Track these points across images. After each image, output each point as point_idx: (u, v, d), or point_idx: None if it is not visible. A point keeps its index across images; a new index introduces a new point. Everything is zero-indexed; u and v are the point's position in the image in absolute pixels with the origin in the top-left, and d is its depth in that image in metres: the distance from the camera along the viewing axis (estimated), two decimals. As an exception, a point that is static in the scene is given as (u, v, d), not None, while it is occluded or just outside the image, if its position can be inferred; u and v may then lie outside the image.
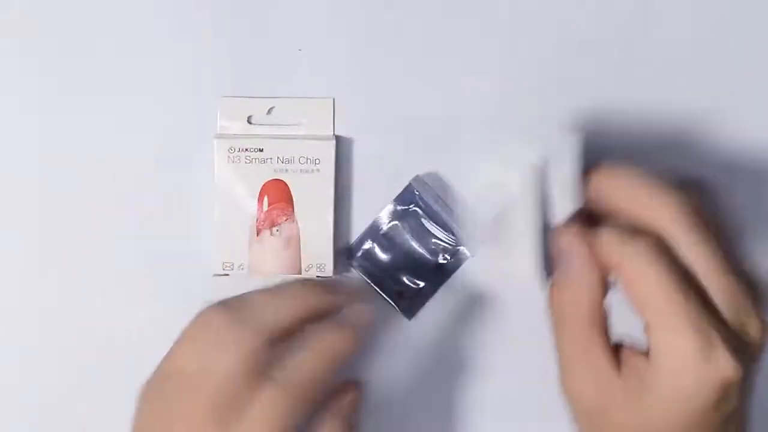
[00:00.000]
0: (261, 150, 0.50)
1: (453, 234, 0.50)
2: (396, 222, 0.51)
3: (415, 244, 0.51)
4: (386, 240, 0.51)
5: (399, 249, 0.51)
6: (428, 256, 0.51)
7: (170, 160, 0.51)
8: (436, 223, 0.50)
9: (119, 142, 0.51)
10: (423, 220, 0.50)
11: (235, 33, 0.51)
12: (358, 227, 0.51)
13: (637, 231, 0.40)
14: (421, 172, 0.51)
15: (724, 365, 0.38)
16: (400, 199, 0.50)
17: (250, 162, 0.50)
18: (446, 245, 0.50)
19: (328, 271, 0.50)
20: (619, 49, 0.51)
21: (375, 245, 0.51)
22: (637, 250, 0.40)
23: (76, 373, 0.48)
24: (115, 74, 0.51)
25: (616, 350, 0.41)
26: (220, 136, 0.50)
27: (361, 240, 0.51)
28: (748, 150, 0.51)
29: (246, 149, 0.50)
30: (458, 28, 0.51)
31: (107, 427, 0.50)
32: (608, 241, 0.41)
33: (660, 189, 0.41)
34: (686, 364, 0.38)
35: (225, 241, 0.50)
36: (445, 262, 0.50)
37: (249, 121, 0.51)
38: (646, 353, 0.40)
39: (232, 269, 0.50)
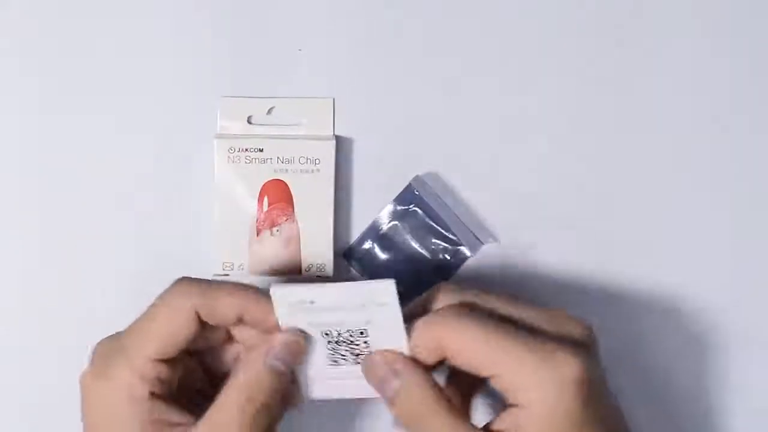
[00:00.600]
0: (261, 150, 0.50)
1: (453, 234, 0.50)
2: (396, 222, 0.51)
3: (415, 244, 0.51)
4: (386, 240, 0.51)
5: (399, 249, 0.51)
6: (428, 256, 0.51)
7: (170, 160, 0.51)
8: (436, 223, 0.50)
9: (119, 142, 0.51)
10: (423, 220, 0.50)
11: (235, 33, 0.51)
12: (358, 227, 0.51)
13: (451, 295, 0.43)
14: (421, 172, 0.51)
15: (568, 363, 0.40)
16: (400, 199, 0.50)
17: (250, 162, 0.50)
18: (446, 245, 0.50)
19: (328, 271, 0.50)
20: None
21: (375, 245, 0.51)
22: (451, 318, 0.42)
23: (76, 373, 0.47)
24: (115, 74, 0.51)
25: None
26: (220, 136, 0.50)
27: (361, 240, 0.51)
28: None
29: (246, 149, 0.50)
30: (458, 28, 0.51)
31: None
32: (422, 329, 0.42)
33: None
34: (542, 384, 0.40)
35: (225, 241, 0.50)
36: (445, 262, 0.50)
37: (249, 121, 0.51)
38: (506, 409, 0.41)
39: (232, 269, 0.50)
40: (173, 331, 0.43)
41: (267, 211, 0.50)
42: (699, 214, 0.51)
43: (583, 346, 0.41)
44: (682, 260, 0.51)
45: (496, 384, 0.41)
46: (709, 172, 0.51)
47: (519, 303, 0.43)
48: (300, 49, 0.51)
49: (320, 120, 0.51)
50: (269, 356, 0.43)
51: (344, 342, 0.43)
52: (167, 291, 0.44)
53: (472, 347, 0.41)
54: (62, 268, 0.51)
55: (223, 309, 0.43)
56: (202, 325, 0.44)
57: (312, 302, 0.42)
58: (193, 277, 0.44)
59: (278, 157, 0.50)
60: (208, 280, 0.44)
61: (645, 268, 0.51)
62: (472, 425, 0.42)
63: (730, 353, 0.51)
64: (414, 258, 0.51)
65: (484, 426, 0.42)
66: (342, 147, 0.51)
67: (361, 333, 0.43)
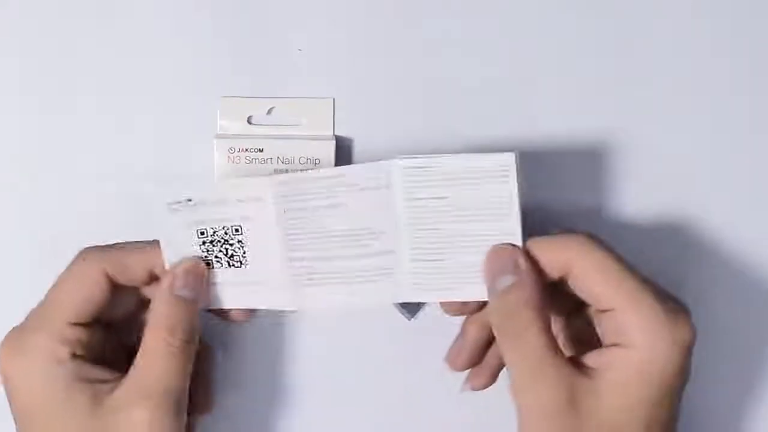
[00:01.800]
0: (261, 150, 0.50)
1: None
2: (396, 222, 0.50)
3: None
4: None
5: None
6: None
7: (170, 160, 0.51)
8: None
9: (119, 141, 0.51)
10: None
11: (235, 33, 0.51)
12: (358, 227, 0.51)
13: (573, 232, 0.44)
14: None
15: (687, 329, 0.41)
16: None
17: (250, 162, 0.50)
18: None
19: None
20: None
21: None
22: (584, 244, 0.42)
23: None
24: (115, 74, 0.51)
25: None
26: (220, 136, 0.50)
27: (361, 240, 0.51)
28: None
29: (246, 149, 0.50)
30: (458, 28, 0.51)
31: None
32: (553, 242, 0.43)
33: (563, 239, 0.43)
34: (659, 333, 0.40)
35: (225, 241, 0.50)
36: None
37: (249, 121, 0.51)
38: (603, 347, 0.42)
39: (232, 269, 0.50)
40: (86, 294, 0.44)
41: (267, 211, 0.50)
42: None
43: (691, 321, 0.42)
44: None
45: (607, 319, 0.42)
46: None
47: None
48: (300, 49, 0.51)
49: (320, 120, 0.51)
50: (175, 287, 0.44)
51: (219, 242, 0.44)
52: (72, 261, 0.45)
53: (602, 275, 0.42)
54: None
55: (132, 266, 0.44)
56: (115, 287, 0.44)
57: (189, 200, 0.43)
58: (96, 245, 0.45)
59: (278, 157, 0.50)
60: (114, 244, 0.45)
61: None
62: (560, 350, 0.42)
63: None
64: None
65: (571, 357, 0.42)
66: (342, 147, 0.51)
67: (236, 230, 0.43)
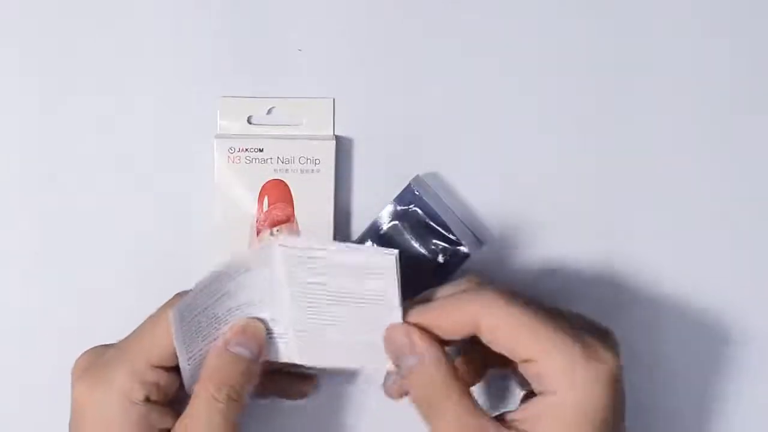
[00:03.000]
0: (261, 150, 0.50)
1: (453, 234, 0.50)
2: (396, 222, 0.51)
3: (415, 244, 0.51)
4: (386, 240, 0.51)
5: (399, 249, 0.50)
6: (428, 255, 0.51)
7: (170, 160, 0.51)
8: (436, 223, 0.50)
9: (119, 141, 0.51)
10: (423, 220, 0.50)
11: (235, 33, 0.51)
12: (358, 227, 0.51)
13: (476, 285, 0.43)
14: (421, 172, 0.51)
15: (608, 360, 0.40)
16: (400, 199, 0.50)
17: (250, 162, 0.50)
18: (446, 245, 0.50)
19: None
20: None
21: (375, 245, 0.51)
22: (489, 299, 0.42)
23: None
24: (115, 74, 0.51)
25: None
26: (220, 136, 0.50)
27: (361, 240, 0.51)
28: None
29: (246, 149, 0.50)
30: (458, 28, 0.51)
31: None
32: (455, 303, 0.42)
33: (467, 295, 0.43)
34: (578, 373, 0.40)
35: (225, 241, 0.50)
36: (443, 261, 0.50)
37: (249, 121, 0.51)
38: (528, 399, 0.42)
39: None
40: (167, 335, 0.43)
41: (267, 211, 0.50)
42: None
43: (616, 347, 0.42)
44: (686, 260, 0.51)
45: (526, 369, 0.41)
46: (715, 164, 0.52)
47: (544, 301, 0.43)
48: (300, 49, 0.51)
49: (320, 120, 0.51)
50: (229, 344, 0.44)
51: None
52: (166, 303, 0.45)
53: (512, 328, 0.41)
54: (62, 269, 0.51)
55: None
56: None
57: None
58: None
59: (278, 157, 0.50)
60: None
61: (651, 266, 0.51)
62: (483, 411, 0.41)
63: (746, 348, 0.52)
64: (414, 258, 0.50)
65: (498, 415, 0.42)
66: (342, 147, 0.51)
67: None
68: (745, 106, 0.51)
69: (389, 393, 0.47)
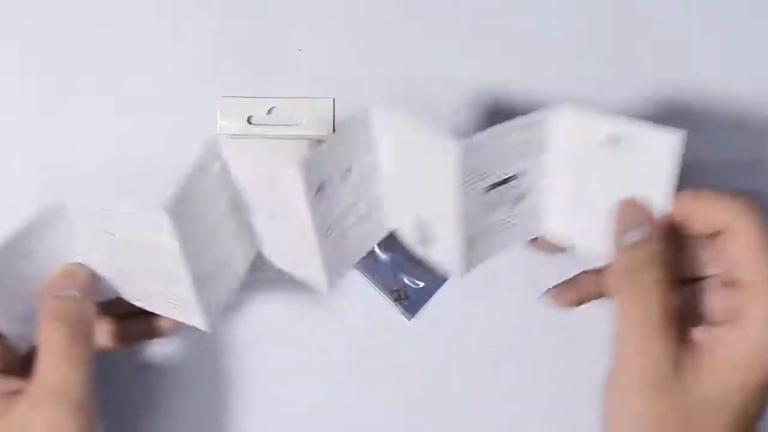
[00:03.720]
0: (261, 150, 0.50)
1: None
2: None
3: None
4: (386, 240, 0.51)
5: (399, 249, 0.51)
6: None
7: (170, 160, 0.51)
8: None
9: (119, 141, 0.51)
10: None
11: (235, 33, 0.51)
12: (358, 227, 0.51)
13: (739, 194, 0.41)
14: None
15: None
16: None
17: (250, 162, 0.50)
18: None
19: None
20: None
21: (375, 245, 0.51)
22: (746, 209, 0.40)
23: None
24: (115, 74, 0.51)
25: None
26: (220, 136, 0.50)
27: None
28: None
29: (246, 149, 0.50)
30: (458, 28, 0.51)
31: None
32: (715, 197, 0.41)
33: (731, 198, 0.41)
34: None
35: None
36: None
37: (249, 121, 0.51)
38: (714, 324, 0.40)
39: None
40: None
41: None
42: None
43: None
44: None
45: (730, 294, 0.40)
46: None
47: None
48: (300, 49, 0.51)
49: (320, 120, 0.51)
50: (56, 288, 0.44)
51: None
52: None
53: (754, 246, 0.39)
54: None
55: None
56: None
57: None
58: None
59: (278, 157, 0.50)
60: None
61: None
62: (674, 320, 0.40)
63: None
64: (415, 257, 0.50)
65: (679, 329, 0.41)
66: (342, 147, 0.51)
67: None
68: None
69: (555, 296, 0.46)
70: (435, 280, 0.51)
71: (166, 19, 0.51)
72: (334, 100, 0.51)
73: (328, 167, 0.42)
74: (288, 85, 0.51)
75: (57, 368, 0.42)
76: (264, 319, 0.51)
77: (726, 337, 0.40)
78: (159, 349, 0.51)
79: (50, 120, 0.51)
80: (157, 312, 0.46)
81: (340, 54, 0.51)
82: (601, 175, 0.42)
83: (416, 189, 0.43)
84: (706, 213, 0.41)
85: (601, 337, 0.49)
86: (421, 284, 0.51)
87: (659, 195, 0.41)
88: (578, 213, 0.44)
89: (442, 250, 0.44)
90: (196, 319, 0.44)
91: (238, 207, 0.45)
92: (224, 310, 0.46)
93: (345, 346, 0.51)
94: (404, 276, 0.51)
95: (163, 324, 0.48)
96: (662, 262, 0.40)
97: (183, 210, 0.42)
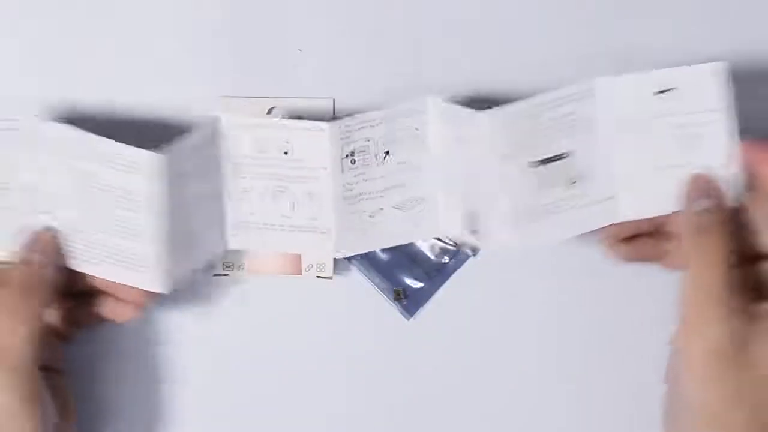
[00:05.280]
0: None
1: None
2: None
3: (416, 244, 0.51)
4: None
5: (399, 249, 0.51)
6: (429, 255, 0.51)
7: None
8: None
9: (119, 142, 0.51)
10: (423, 220, 0.50)
11: (235, 33, 0.51)
12: (358, 227, 0.51)
13: None
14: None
15: None
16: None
17: (250, 162, 0.50)
18: (446, 245, 0.50)
19: (328, 270, 0.50)
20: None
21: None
22: None
23: (78, 375, 0.48)
24: (115, 74, 0.51)
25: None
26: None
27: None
28: None
29: (246, 149, 0.50)
30: (458, 28, 0.51)
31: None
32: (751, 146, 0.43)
33: None
34: None
35: (225, 241, 0.50)
36: (445, 262, 0.50)
37: (249, 121, 0.51)
38: None
39: (232, 269, 0.50)
40: None
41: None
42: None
43: None
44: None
45: None
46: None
47: None
48: (300, 49, 0.51)
49: (320, 120, 0.51)
50: (23, 254, 0.45)
51: None
52: None
53: None
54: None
55: None
56: None
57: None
58: None
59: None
60: None
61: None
62: (737, 291, 0.41)
63: None
64: (415, 258, 0.51)
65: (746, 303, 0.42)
66: (342, 147, 0.51)
67: None
68: None
69: (613, 234, 0.46)
70: (434, 280, 0.51)
71: (166, 19, 0.51)
72: (334, 100, 0.51)
73: (360, 138, 0.42)
74: (288, 85, 0.51)
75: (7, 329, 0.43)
76: (261, 318, 0.51)
77: None
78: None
79: (49, 119, 0.51)
80: (104, 276, 0.46)
81: (340, 54, 0.51)
82: (663, 132, 0.43)
83: (463, 172, 0.43)
84: None
85: (597, 343, 0.50)
86: (421, 284, 0.51)
87: (722, 137, 0.43)
88: (647, 181, 0.44)
89: (495, 231, 0.44)
90: (151, 280, 0.44)
91: (220, 193, 0.45)
92: (182, 284, 0.46)
93: (343, 345, 0.51)
94: (404, 276, 0.51)
95: (113, 308, 0.47)
96: (727, 231, 0.42)
97: (174, 165, 0.42)
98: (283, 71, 0.51)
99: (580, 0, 0.51)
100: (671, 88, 0.43)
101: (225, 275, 0.50)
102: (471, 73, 0.51)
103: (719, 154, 0.44)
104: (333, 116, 0.51)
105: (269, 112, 0.51)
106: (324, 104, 0.51)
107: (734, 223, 0.43)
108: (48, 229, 0.46)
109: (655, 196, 0.45)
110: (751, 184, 0.44)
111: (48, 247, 0.46)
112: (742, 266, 0.44)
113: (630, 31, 0.51)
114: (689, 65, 0.43)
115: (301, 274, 0.50)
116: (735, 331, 0.40)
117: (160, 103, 0.51)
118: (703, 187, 0.44)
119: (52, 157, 0.45)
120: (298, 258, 0.50)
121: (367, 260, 0.51)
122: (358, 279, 0.51)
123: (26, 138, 0.45)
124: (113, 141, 0.45)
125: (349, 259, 0.51)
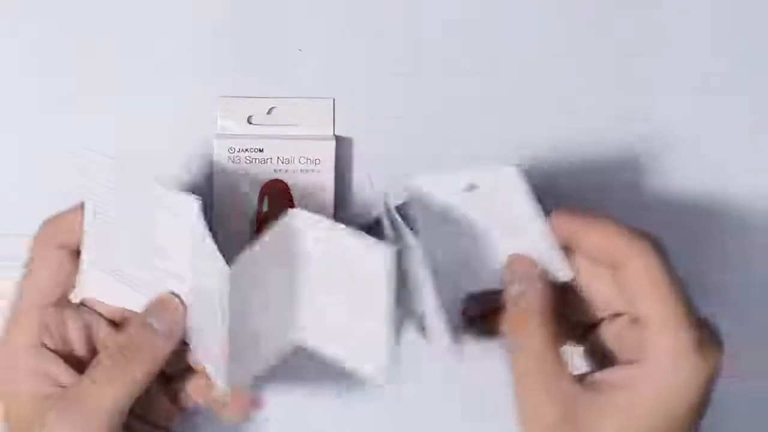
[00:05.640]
0: (261, 150, 0.50)
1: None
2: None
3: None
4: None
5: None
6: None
7: (170, 160, 0.51)
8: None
9: (119, 142, 0.51)
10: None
11: (235, 33, 0.51)
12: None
13: (640, 232, 0.41)
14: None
15: (713, 358, 0.39)
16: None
17: (250, 162, 0.50)
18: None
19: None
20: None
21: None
22: (646, 247, 0.40)
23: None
24: (115, 74, 0.51)
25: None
26: (220, 136, 0.50)
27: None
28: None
29: (246, 149, 0.50)
30: (458, 28, 0.51)
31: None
32: (615, 233, 0.41)
33: (631, 234, 0.41)
34: (683, 357, 0.39)
35: (224, 242, 0.50)
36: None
37: (249, 121, 0.51)
38: (616, 365, 0.41)
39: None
40: (49, 272, 0.43)
41: (267, 211, 0.50)
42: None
43: (721, 346, 0.41)
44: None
45: (633, 333, 0.41)
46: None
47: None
48: (300, 49, 0.51)
49: (320, 120, 0.51)
50: (145, 316, 0.43)
51: None
52: (33, 240, 0.45)
53: (653, 285, 0.40)
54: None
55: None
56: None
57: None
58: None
59: (278, 157, 0.50)
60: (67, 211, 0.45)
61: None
62: (565, 363, 0.41)
63: None
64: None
65: (580, 374, 0.41)
66: (342, 147, 0.51)
67: None
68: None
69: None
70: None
71: (166, 19, 0.51)
72: (334, 100, 0.51)
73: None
74: (288, 85, 0.51)
75: (100, 384, 0.42)
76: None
77: (627, 379, 0.40)
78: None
79: (50, 120, 0.51)
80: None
81: (340, 54, 0.51)
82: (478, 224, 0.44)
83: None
84: (608, 248, 0.41)
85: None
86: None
87: (533, 222, 0.43)
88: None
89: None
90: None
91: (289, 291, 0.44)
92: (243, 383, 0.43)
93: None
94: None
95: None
96: (548, 311, 0.41)
97: (246, 271, 0.41)
98: (283, 71, 0.51)
99: (580, 0, 0.51)
100: (477, 183, 0.43)
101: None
102: (471, 73, 0.51)
103: (536, 237, 0.43)
104: (333, 119, 0.51)
105: (269, 112, 0.51)
106: (324, 104, 0.51)
107: (565, 298, 0.43)
108: (173, 295, 0.44)
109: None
110: (573, 256, 0.43)
111: (173, 318, 0.43)
112: (583, 336, 0.44)
113: (630, 30, 0.51)
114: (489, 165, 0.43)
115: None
116: (564, 404, 0.40)
117: (160, 103, 0.51)
118: (516, 270, 0.43)
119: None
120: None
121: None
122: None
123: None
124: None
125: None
